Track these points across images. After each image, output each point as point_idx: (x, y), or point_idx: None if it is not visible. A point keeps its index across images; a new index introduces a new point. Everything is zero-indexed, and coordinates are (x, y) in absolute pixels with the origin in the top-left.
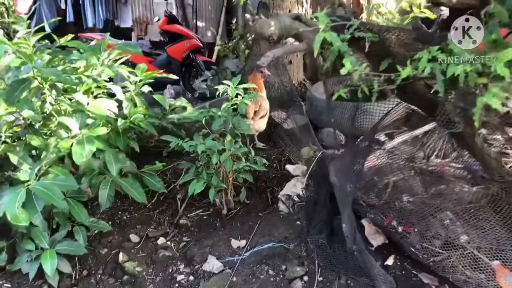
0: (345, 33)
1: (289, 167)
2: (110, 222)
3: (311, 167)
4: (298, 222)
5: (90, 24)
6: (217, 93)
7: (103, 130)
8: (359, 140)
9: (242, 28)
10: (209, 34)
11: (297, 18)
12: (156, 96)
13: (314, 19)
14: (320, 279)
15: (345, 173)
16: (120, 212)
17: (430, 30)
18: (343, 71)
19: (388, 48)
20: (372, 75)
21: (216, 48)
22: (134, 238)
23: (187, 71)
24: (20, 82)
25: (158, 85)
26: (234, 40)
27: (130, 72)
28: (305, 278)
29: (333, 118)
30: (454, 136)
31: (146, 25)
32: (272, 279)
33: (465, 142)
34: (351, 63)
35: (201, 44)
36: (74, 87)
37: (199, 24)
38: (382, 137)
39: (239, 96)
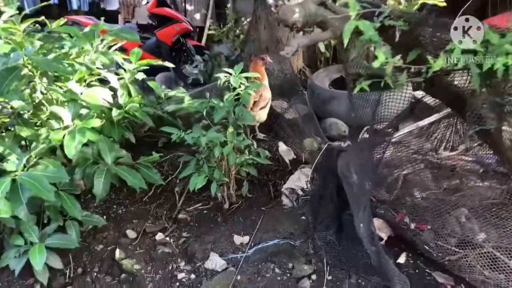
0: (374, 21)
1: (281, 145)
2: (104, 217)
3: (316, 159)
4: (303, 217)
5: (75, 7)
6: (219, 81)
7: (97, 122)
8: (377, 132)
9: (233, 12)
10: (198, 17)
11: (322, 4)
12: (151, 83)
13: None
14: (329, 278)
15: (363, 169)
16: (115, 206)
17: None
18: (376, 63)
19: (417, 38)
20: (404, 67)
21: (206, 32)
22: (130, 233)
23: (177, 56)
24: (9, 71)
25: (150, 72)
26: (228, 25)
27: (124, 58)
28: (313, 276)
29: (353, 111)
30: (479, 131)
31: (133, 8)
32: (278, 278)
33: (491, 138)
34: (383, 54)
35: (191, 28)
36: (68, 75)
37: (188, 7)
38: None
39: (242, 85)
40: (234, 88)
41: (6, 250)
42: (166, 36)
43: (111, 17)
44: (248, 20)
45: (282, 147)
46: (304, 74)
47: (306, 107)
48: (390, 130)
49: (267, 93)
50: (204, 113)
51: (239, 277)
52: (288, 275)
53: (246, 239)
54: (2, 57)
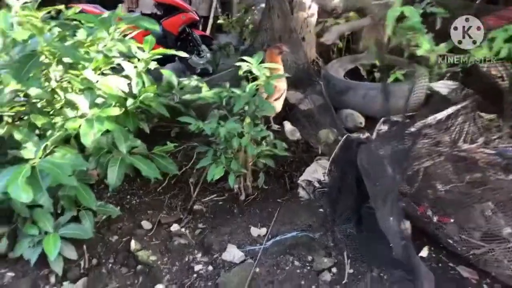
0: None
1: (286, 125)
2: (118, 207)
3: (334, 151)
4: (320, 210)
5: None
6: (240, 71)
7: (115, 111)
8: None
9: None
10: (202, 7)
11: None
12: (164, 72)
13: None
14: (351, 271)
15: (394, 160)
16: (128, 197)
17: None
18: (420, 51)
19: None
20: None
21: (210, 22)
22: (145, 224)
23: (183, 46)
24: (28, 57)
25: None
26: (238, 14)
27: (137, 47)
28: (334, 269)
29: (387, 101)
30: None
31: None
32: (298, 270)
33: None
34: (428, 42)
35: (197, 18)
36: (85, 63)
37: None
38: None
39: (263, 75)
40: (254, 78)
41: (20, 240)
42: (172, 25)
43: (114, 6)
44: (257, 9)
45: (287, 126)
46: (317, 64)
47: (321, 97)
48: (408, 121)
49: (282, 84)
50: (224, 103)
51: (257, 270)
52: (308, 268)
53: (263, 231)
54: (20, 43)
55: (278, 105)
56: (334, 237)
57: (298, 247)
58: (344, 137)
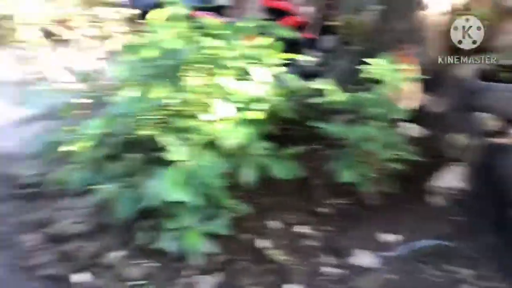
0: None
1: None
2: (247, 206)
3: (471, 157)
4: (454, 218)
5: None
6: (361, 73)
7: (259, 115)
8: None
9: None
10: (307, 9)
11: None
12: (288, 76)
13: None
14: (493, 284)
15: None
16: (256, 196)
17: None
18: None
19: None
20: None
21: (316, 24)
22: (273, 224)
23: (292, 49)
24: (179, 66)
25: None
26: (349, 16)
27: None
28: (474, 281)
29: None
30: None
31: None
32: (434, 279)
33: None
34: None
35: (305, 21)
36: (222, 70)
37: None
38: None
39: (389, 77)
40: (377, 81)
41: (161, 233)
42: None
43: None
44: (370, 10)
45: (410, 125)
46: (444, 65)
47: (452, 100)
48: None
49: (411, 86)
50: (353, 106)
51: (389, 276)
52: (444, 277)
53: (392, 237)
54: (169, 52)
55: (407, 108)
56: (472, 247)
57: (432, 255)
58: (483, 142)
